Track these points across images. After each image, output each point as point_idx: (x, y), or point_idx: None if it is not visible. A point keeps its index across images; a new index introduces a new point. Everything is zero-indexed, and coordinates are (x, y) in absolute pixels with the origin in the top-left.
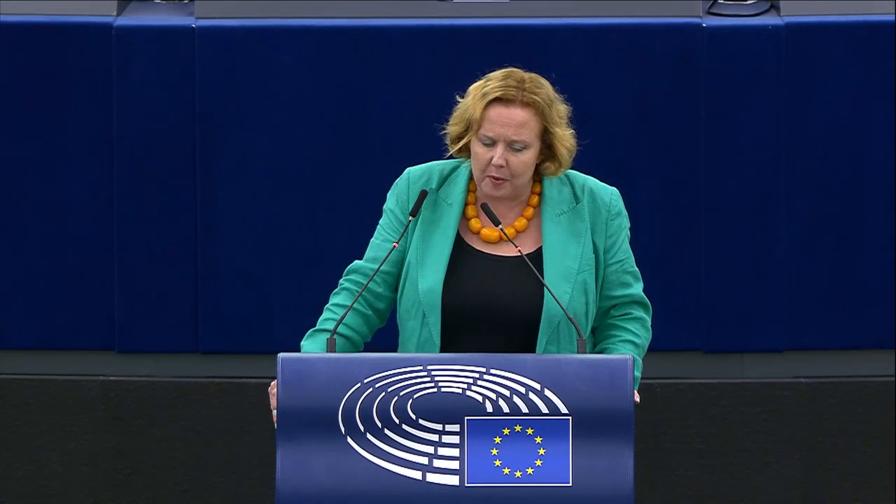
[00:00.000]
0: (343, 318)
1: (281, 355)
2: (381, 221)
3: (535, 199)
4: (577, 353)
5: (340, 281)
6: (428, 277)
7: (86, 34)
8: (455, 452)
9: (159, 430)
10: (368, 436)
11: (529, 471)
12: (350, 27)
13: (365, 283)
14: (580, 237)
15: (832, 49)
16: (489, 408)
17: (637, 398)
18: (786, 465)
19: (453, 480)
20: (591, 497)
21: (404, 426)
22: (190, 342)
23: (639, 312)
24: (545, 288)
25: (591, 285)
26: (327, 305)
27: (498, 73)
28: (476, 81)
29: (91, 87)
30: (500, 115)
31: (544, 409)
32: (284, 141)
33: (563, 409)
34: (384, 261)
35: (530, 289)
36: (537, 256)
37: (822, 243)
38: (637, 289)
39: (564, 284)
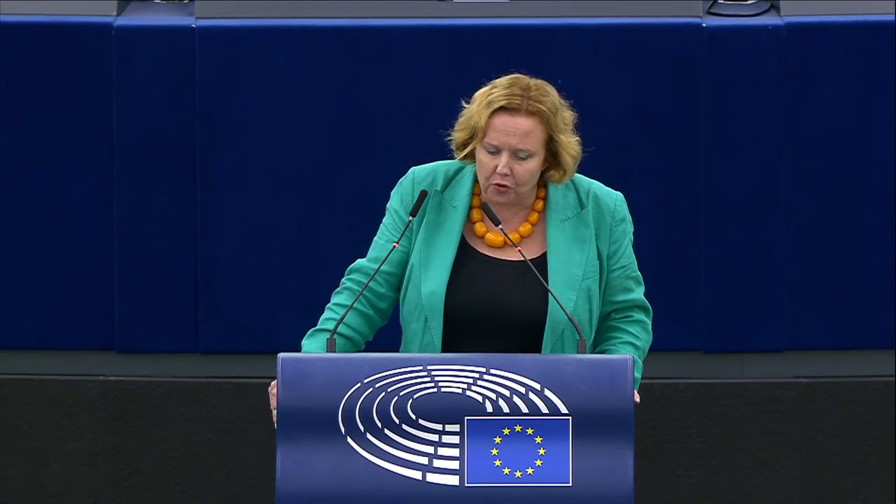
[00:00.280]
0: (343, 317)
1: (281, 355)
2: (384, 220)
3: (539, 205)
4: (577, 353)
5: (342, 280)
6: (431, 281)
7: (86, 34)
8: (455, 452)
9: (159, 430)
10: (368, 436)
11: (529, 471)
12: (350, 27)
13: (366, 282)
14: (585, 243)
15: (832, 49)
16: (489, 408)
17: (637, 398)
18: (786, 465)
19: (453, 480)
20: (591, 497)
21: (404, 426)
22: (190, 342)
23: (639, 315)
24: (550, 295)
25: (594, 292)
26: (329, 305)
27: (503, 81)
28: (482, 87)
29: (91, 87)
30: (505, 124)
31: (544, 409)
32: (284, 141)
33: (563, 409)
34: (384, 261)
35: (534, 294)
36: (542, 262)
37: (822, 243)
38: (639, 293)
39: (569, 292)
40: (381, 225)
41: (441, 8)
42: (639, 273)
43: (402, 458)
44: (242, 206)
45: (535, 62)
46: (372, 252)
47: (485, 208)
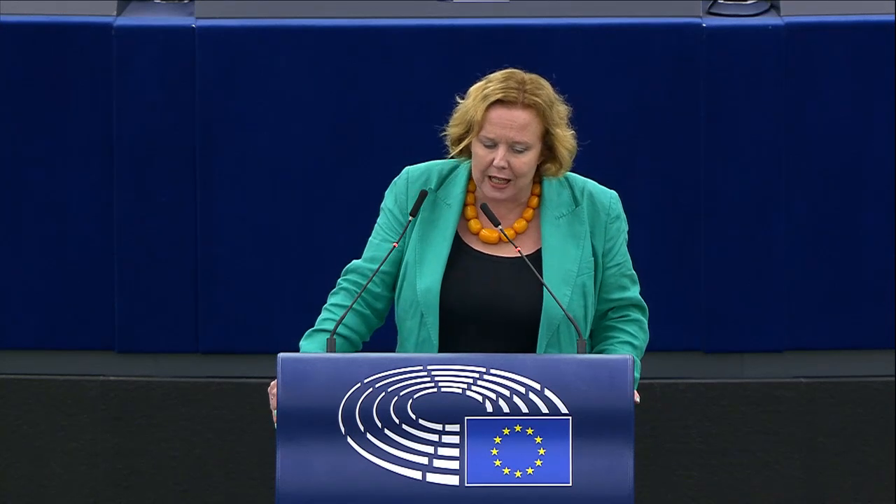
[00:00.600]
0: (343, 317)
1: (281, 355)
2: (378, 220)
3: (534, 201)
4: (577, 353)
5: (338, 281)
6: (426, 277)
7: (86, 34)
8: (455, 452)
9: (159, 430)
10: (368, 436)
11: (529, 471)
12: (350, 27)
13: (363, 282)
14: (579, 240)
15: (832, 49)
16: (489, 408)
17: (637, 398)
18: (786, 465)
19: (453, 480)
20: (591, 497)
21: (404, 426)
22: (190, 342)
23: (636, 315)
24: (545, 289)
25: (589, 288)
26: (325, 305)
27: (498, 75)
28: (476, 82)
29: (91, 87)
30: (502, 117)
31: (544, 409)
32: (284, 141)
33: (563, 409)
34: (384, 261)
35: (530, 290)
36: (536, 258)
37: (822, 243)
38: (634, 292)
39: (564, 287)
40: (376, 225)
41: (441, 8)
42: (633, 272)
43: (402, 458)
44: (242, 206)
45: (535, 62)
46: (367, 252)
47: (484, 209)
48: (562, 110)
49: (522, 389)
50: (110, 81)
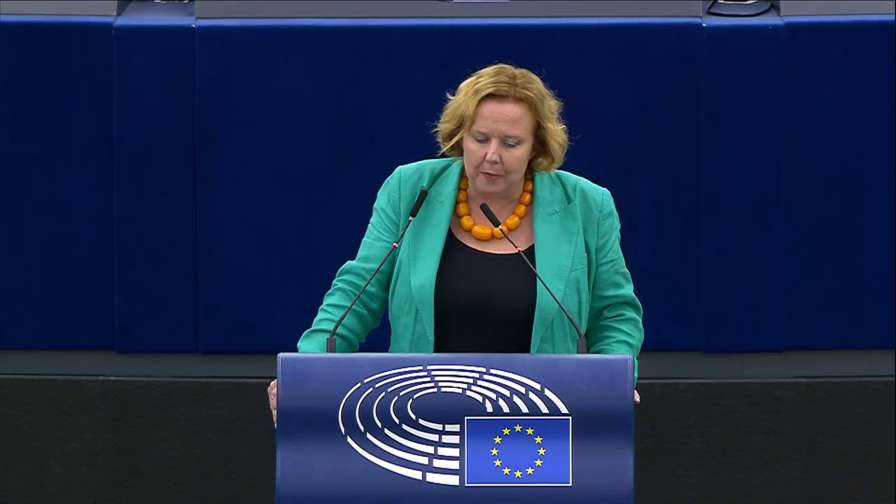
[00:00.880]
0: (343, 318)
1: (281, 355)
2: (371, 220)
3: (526, 198)
4: (577, 353)
5: (334, 282)
6: (420, 273)
7: (86, 34)
8: (455, 452)
9: (159, 430)
10: (368, 436)
11: (529, 471)
12: (350, 27)
13: (358, 282)
14: (572, 236)
15: (832, 49)
16: (489, 408)
17: (637, 398)
18: (786, 465)
19: (453, 480)
20: (591, 497)
21: (404, 426)
22: (190, 342)
23: (631, 313)
24: (538, 285)
25: (583, 283)
26: (322, 306)
27: (489, 70)
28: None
29: (91, 87)
30: (493, 111)
31: (544, 409)
32: (284, 141)
33: (563, 409)
34: (385, 260)
35: (523, 286)
36: (529, 254)
37: (822, 243)
38: (628, 290)
39: (557, 282)
40: (370, 225)
41: (441, 8)
42: (626, 270)
43: (402, 458)
44: (242, 206)
45: (535, 62)
46: (361, 252)
47: (484, 209)
48: (553, 105)
49: (522, 389)
50: (110, 81)
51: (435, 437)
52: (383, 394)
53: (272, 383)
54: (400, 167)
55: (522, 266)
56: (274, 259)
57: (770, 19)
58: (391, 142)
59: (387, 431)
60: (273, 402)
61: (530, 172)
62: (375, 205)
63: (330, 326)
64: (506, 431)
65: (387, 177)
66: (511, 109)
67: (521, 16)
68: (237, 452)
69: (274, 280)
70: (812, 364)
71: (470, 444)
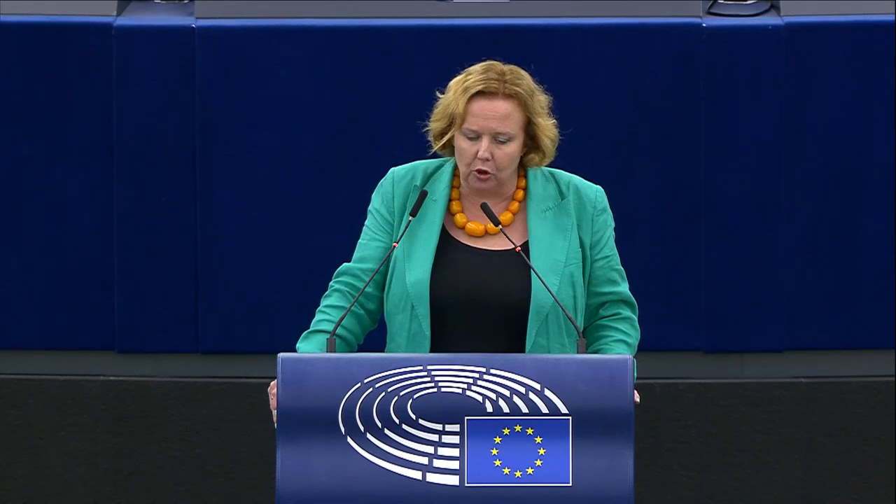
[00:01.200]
0: (343, 318)
1: (281, 355)
2: (366, 222)
3: (520, 194)
4: (577, 353)
5: (331, 283)
6: (415, 270)
7: (86, 34)
8: (455, 452)
9: (159, 430)
10: (368, 436)
11: (529, 471)
12: (350, 27)
13: (355, 283)
14: (566, 231)
15: (832, 49)
16: (489, 408)
17: (637, 398)
18: (786, 465)
19: (453, 480)
20: (591, 497)
21: (404, 426)
22: (190, 342)
23: (627, 312)
24: (533, 280)
25: (578, 278)
26: (319, 308)
27: (478, 67)
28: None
29: (91, 87)
30: (484, 109)
31: (544, 409)
32: (284, 141)
33: (563, 409)
34: (385, 259)
35: (518, 281)
36: (523, 250)
37: (822, 243)
38: (624, 287)
39: (552, 277)
40: (364, 227)
41: (441, 8)
42: (622, 268)
43: (402, 458)
44: (242, 206)
45: (535, 62)
46: (357, 253)
47: (484, 208)
48: (542, 100)
49: (522, 389)
50: (110, 81)
51: (435, 437)
52: (383, 394)
53: (272, 383)
54: (393, 168)
55: (517, 262)
56: (274, 259)
57: (770, 19)
58: (391, 142)
59: (387, 431)
60: (273, 402)
61: (523, 169)
62: (370, 207)
63: (328, 327)
64: (506, 431)
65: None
66: (501, 106)
67: (521, 16)
68: (237, 452)
69: (274, 280)
70: (812, 364)
71: (470, 444)
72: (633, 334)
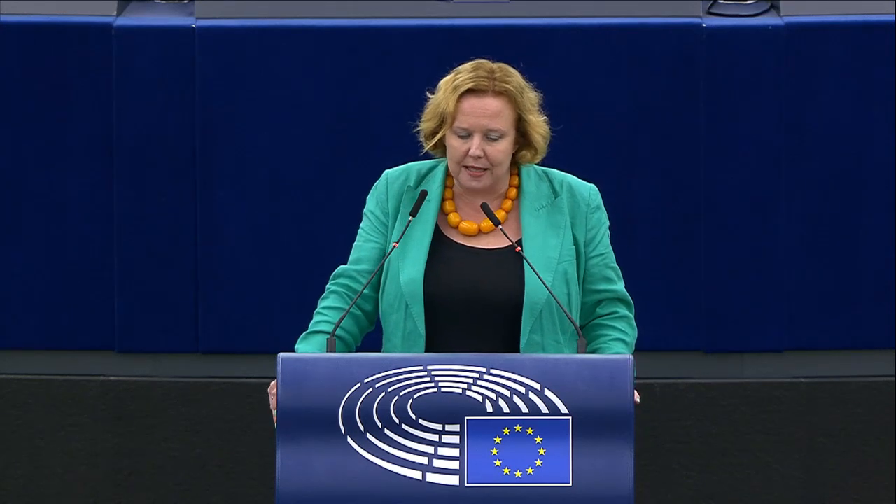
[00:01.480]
0: (343, 318)
1: (281, 355)
2: (361, 225)
3: (513, 192)
4: (577, 352)
5: (327, 286)
6: (409, 268)
7: (86, 34)
8: (455, 452)
9: (159, 430)
10: (368, 436)
11: (529, 471)
12: (350, 27)
13: (352, 284)
14: (560, 229)
15: (832, 49)
16: (489, 408)
17: (637, 398)
18: (786, 465)
19: (453, 480)
20: (591, 497)
21: (404, 426)
22: (190, 342)
23: (624, 311)
24: (526, 277)
25: (572, 276)
26: (317, 310)
27: (467, 66)
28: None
29: (91, 87)
30: (474, 106)
31: (544, 409)
32: (284, 141)
33: (563, 409)
34: (385, 258)
35: (511, 278)
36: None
37: (822, 243)
38: (620, 286)
39: (545, 274)
40: (360, 229)
41: (441, 8)
42: (617, 266)
43: (402, 458)
44: (242, 206)
45: (535, 62)
46: (353, 255)
47: (484, 208)
48: (532, 97)
49: (522, 389)
50: (110, 81)
51: (435, 437)
52: (383, 394)
53: (272, 383)
54: (387, 170)
55: (510, 259)
56: (274, 259)
57: (770, 19)
58: (391, 142)
59: (387, 431)
60: (273, 402)
61: (516, 167)
62: (364, 209)
63: (327, 328)
64: (506, 431)
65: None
66: (491, 103)
67: (521, 16)
68: (237, 452)
69: (274, 280)
70: (812, 364)
71: (470, 444)
72: (631, 333)
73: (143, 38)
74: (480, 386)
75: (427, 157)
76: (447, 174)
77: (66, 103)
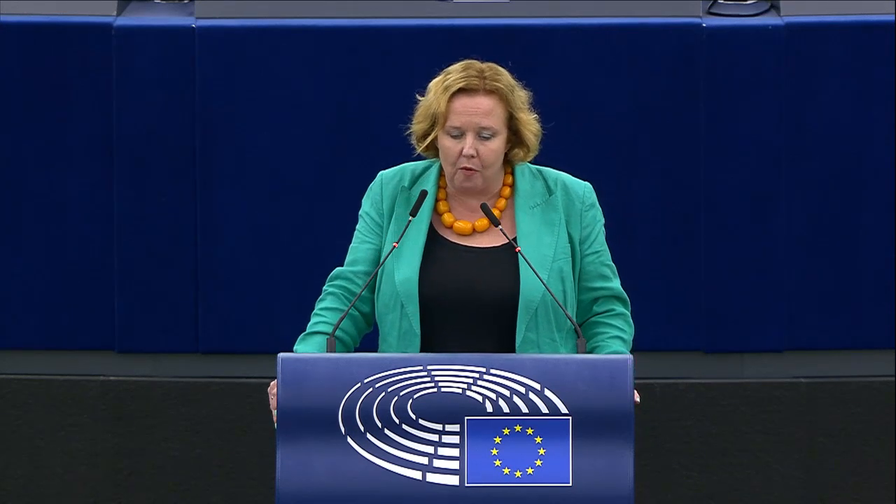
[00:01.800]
0: (342, 319)
1: (281, 355)
2: (357, 227)
3: (506, 191)
4: (577, 353)
5: (324, 288)
6: (404, 268)
7: (86, 34)
8: (455, 452)
9: (159, 430)
10: (368, 436)
11: (529, 471)
12: (350, 27)
13: (348, 286)
14: (554, 227)
15: (832, 49)
16: (489, 408)
17: (637, 398)
18: (786, 465)
19: (453, 480)
20: (591, 497)
21: (404, 426)
22: (190, 342)
23: (620, 308)
24: (521, 276)
25: (567, 273)
26: (314, 311)
27: (457, 66)
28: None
29: (91, 87)
30: (466, 106)
31: (544, 409)
32: (284, 141)
33: (563, 409)
34: (385, 259)
35: (506, 277)
36: (511, 246)
37: (822, 243)
38: (616, 283)
39: (541, 272)
40: (356, 231)
41: (441, 8)
42: (613, 264)
43: (402, 458)
44: (242, 206)
45: (535, 62)
46: (349, 257)
47: (484, 208)
48: (522, 95)
49: (522, 389)
50: (110, 81)
51: (435, 437)
52: (383, 394)
53: (272, 383)
54: (381, 172)
55: (505, 258)
56: (274, 259)
57: (770, 19)
58: (391, 142)
59: (387, 431)
60: (273, 402)
61: (509, 166)
62: (360, 211)
63: (325, 329)
64: (506, 431)
65: None
66: (483, 102)
67: (521, 16)
68: (237, 452)
69: (274, 280)
70: (812, 364)
71: (470, 444)
72: (628, 330)
73: (143, 38)
74: (480, 386)
75: (421, 157)
76: (441, 174)
77: (66, 103)
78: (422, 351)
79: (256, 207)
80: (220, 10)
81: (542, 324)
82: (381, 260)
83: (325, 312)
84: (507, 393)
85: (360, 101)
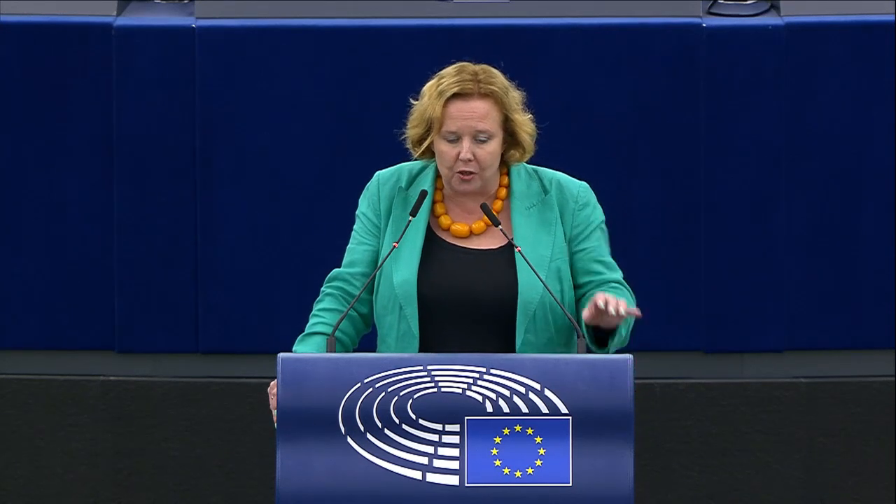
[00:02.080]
0: (342, 319)
1: (281, 355)
2: (354, 227)
3: (503, 192)
4: (577, 352)
5: (322, 289)
6: (402, 270)
7: (86, 34)
8: (455, 452)
9: (159, 430)
10: (368, 436)
11: (529, 471)
12: (350, 27)
13: (346, 287)
14: (550, 226)
15: (832, 49)
16: (489, 408)
17: (638, 312)
18: (786, 465)
19: (453, 480)
20: (591, 497)
21: (404, 426)
22: (190, 342)
23: (622, 287)
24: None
25: (565, 272)
26: (313, 312)
27: (450, 70)
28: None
29: (91, 87)
30: (461, 110)
31: (544, 409)
32: (284, 141)
33: (563, 409)
34: (384, 260)
35: (504, 279)
36: (509, 248)
37: (822, 243)
38: (609, 275)
39: (538, 272)
40: (353, 232)
41: (441, 8)
42: (612, 260)
43: (402, 458)
44: (242, 206)
45: (535, 62)
46: (347, 258)
47: (484, 209)
48: (516, 96)
49: (522, 389)
50: (110, 81)
51: (435, 437)
52: (383, 394)
53: (272, 383)
54: (378, 172)
55: (503, 260)
56: (274, 259)
57: (770, 19)
58: (391, 142)
59: (387, 431)
60: (273, 402)
61: (505, 167)
62: (357, 212)
63: (324, 329)
64: (506, 431)
65: None
66: (478, 105)
67: (521, 16)
68: (237, 452)
69: (274, 280)
70: (812, 364)
71: (470, 444)
72: (629, 295)
73: (143, 38)
74: (480, 386)
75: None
76: (437, 175)
77: (66, 103)
78: (420, 352)
79: (256, 207)
80: (220, 10)
81: (541, 324)
82: (381, 261)
83: (324, 313)
84: (507, 393)
85: (360, 101)
